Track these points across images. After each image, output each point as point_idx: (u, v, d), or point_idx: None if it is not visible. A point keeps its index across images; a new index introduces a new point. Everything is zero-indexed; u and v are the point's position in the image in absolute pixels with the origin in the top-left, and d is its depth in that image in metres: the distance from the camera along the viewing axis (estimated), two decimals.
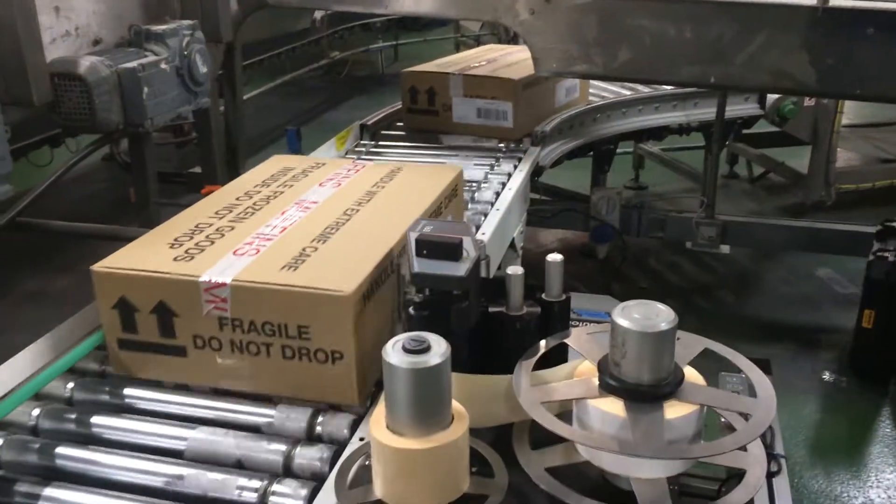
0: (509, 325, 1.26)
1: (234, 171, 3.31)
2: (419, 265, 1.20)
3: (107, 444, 1.27)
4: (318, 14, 6.52)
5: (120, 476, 1.20)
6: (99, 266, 1.32)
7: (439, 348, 0.99)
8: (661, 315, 1.06)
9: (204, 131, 2.67)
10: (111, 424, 1.30)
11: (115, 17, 2.18)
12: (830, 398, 2.91)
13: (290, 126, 2.44)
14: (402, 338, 1.00)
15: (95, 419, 1.30)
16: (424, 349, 0.98)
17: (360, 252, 1.34)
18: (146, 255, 1.35)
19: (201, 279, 1.27)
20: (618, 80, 3.16)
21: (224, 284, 1.26)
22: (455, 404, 1.05)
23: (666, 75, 2.37)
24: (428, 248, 1.21)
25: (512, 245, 2.62)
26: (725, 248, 3.59)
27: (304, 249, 1.36)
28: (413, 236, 1.24)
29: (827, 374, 3.02)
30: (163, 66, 2.10)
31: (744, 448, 1.12)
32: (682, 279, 3.89)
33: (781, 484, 1.36)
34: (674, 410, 1.07)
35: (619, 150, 4.69)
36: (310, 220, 1.49)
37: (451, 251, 1.20)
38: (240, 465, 1.22)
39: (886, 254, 2.82)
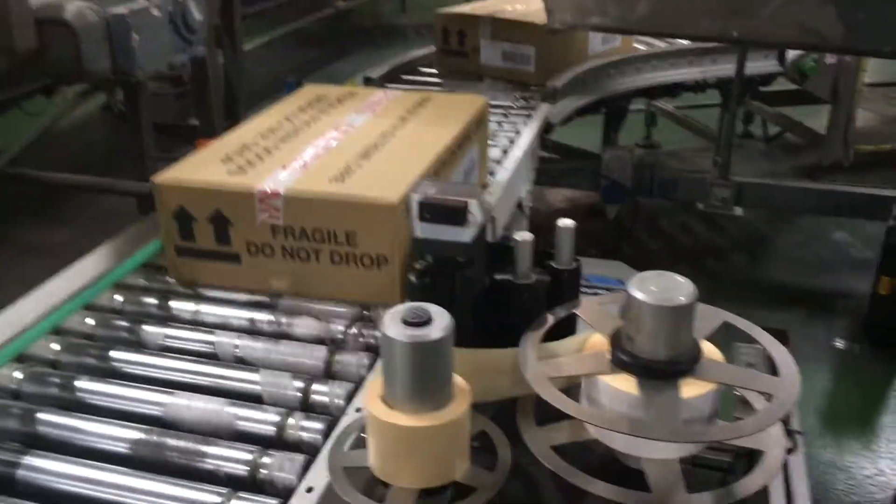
0: (516, 294, 1.19)
1: (234, 124, 3.22)
2: (422, 229, 1.13)
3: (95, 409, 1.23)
4: None
5: (102, 444, 1.15)
6: (159, 178, 1.42)
7: (441, 321, 0.92)
8: (679, 288, 0.99)
9: (201, 82, 2.57)
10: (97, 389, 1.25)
11: None
12: (843, 366, 2.85)
13: (291, 78, 2.34)
14: (401, 308, 0.93)
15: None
16: (425, 322, 0.91)
17: (400, 167, 1.43)
18: (201, 169, 1.45)
19: (256, 189, 1.36)
20: (635, 34, 3.04)
21: (278, 194, 1.35)
22: (457, 379, 0.98)
23: (686, 29, 2.26)
24: (431, 211, 1.14)
25: (519, 205, 2.54)
26: (739, 210, 3.50)
27: (348, 165, 1.44)
28: (416, 198, 1.16)
29: (840, 341, 2.95)
30: (154, 12, 1.99)
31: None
32: (694, 241, 3.80)
33: (797, 462, 1.31)
34: (690, 389, 1.00)
35: (632, 108, 4.59)
36: (350, 140, 1.57)
37: (457, 215, 1.13)
38: (229, 436, 1.16)
39: None
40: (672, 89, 3.73)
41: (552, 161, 3.49)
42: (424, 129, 1.65)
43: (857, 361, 2.87)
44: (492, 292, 1.19)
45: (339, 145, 1.54)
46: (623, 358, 1.01)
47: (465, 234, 1.10)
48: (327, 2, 7.62)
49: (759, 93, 4.70)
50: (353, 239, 1.34)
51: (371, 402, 0.96)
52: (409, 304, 0.94)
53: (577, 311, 1.12)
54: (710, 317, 1.11)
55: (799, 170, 4.48)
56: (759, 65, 3.76)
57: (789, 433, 1.42)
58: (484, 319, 1.18)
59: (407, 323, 0.91)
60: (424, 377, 0.92)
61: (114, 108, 4.41)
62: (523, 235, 1.17)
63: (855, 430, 2.54)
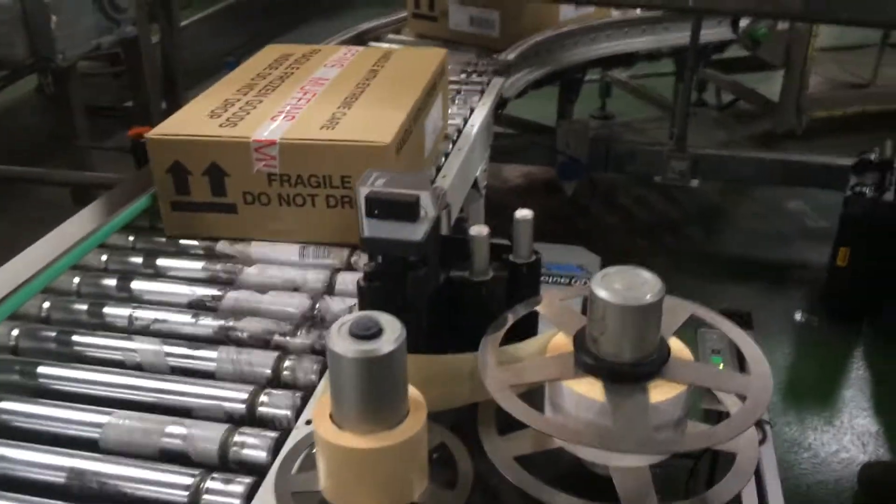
0: (473, 293, 1.11)
1: (173, 104, 3.06)
2: (369, 228, 1.04)
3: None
4: None
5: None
6: (153, 133, 1.48)
7: (393, 332, 0.84)
8: (646, 285, 0.93)
9: (133, 62, 2.41)
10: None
11: None
12: (802, 340, 2.85)
13: (231, 58, 2.21)
14: (348, 319, 0.85)
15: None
16: (375, 334, 0.83)
17: (384, 113, 1.53)
18: (193, 124, 1.50)
19: (252, 139, 1.43)
20: (593, 4, 2.96)
21: (273, 142, 1.43)
22: (412, 392, 0.90)
23: None
24: (380, 207, 1.04)
25: (475, 185, 2.46)
26: (695, 182, 3.47)
27: (333, 114, 1.53)
28: (363, 192, 1.07)
29: (799, 313, 2.95)
30: None
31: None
32: (651, 215, 3.77)
33: (767, 452, 1.27)
34: (659, 392, 0.94)
35: (586, 80, 4.53)
36: (328, 92, 1.65)
37: (407, 210, 1.04)
38: (167, 457, 1.07)
39: (864, 188, 2.71)
40: (627, 59, 3.68)
41: (507, 136, 3.41)
42: (396, 79, 1.75)
43: (817, 334, 2.87)
44: (447, 291, 1.12)
45: (319, 96, 1.62)
46: (587, 361, 0.95)
47: (417, 232, 1.02)
48: None
49: (712, 60, 4.69)
50: (347, 182, 1.43)
51: (319, 421, 0.88)
52: (356, 315, 0.86)
53: (538, 309, 1.05)
54: (677, 310, 1.05)
55: (753, 138, 4.49)
56: (712, 32, 3.71)
57: (758, 424, 1.39)
58: (439, 320, 1.11)
59: (355, 336, 0.83)
60: (376, 394, 0.84)
61: (46, 90, 4.19)
62: (479, 229, 1.09)
63: (817, 406, 2.54)
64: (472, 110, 2.35)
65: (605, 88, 4.77)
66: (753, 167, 3.32)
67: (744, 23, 3.82)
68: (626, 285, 0.92)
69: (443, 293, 1.11)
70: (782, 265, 3.31)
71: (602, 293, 0.91)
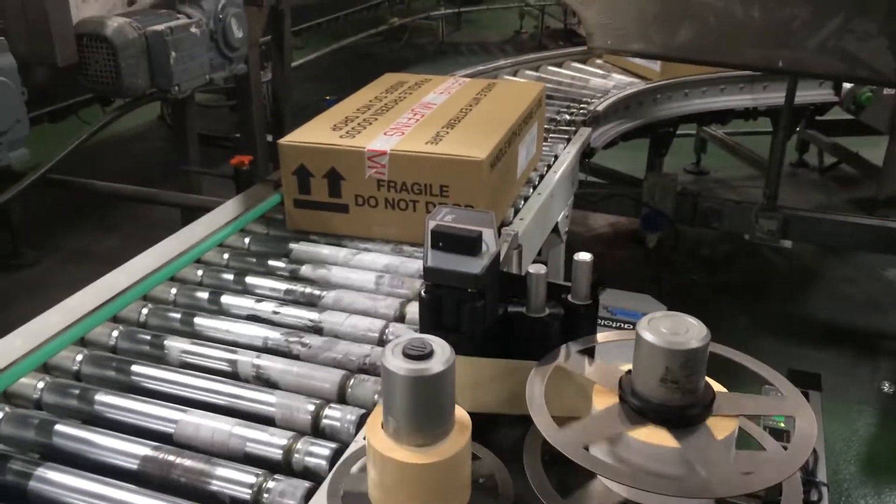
0: (528, 329, 1.16)
1: (280, 137, 3.26)
2: (433, 259, 1.11)
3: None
4: None
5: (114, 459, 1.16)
6: (284, 140, 1.76)
7: (443, 354, 0.90)
8: (691, 330, 0.96)
9: (243, 98, 2.62)
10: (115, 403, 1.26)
11: None
12: (888, 411, 2.72)
13: (331, 97, 2.36)
14: (403, 341, 0.92)
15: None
16: (426, 355, 0.90)
17: (482, 133, 1.75)
18: (317, 134, 1.76)
19: (367, 149, 1.67)
20: (677, 61, 2.99)
21: (385, 153, 1.66)
22: (459, 413, 0.96)
23: (730, 57, 2.21)
24: (444, 240, 1.12)
25: (556, 230, 2.51)
26: (787, 243, 3.40)
27: (437, 132, 1.75)
28: (430, 225, 1.15)
29: (886, 384, 2.83)
30: (193, 29, 2.03)
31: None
32: (737, 273, 3.70)
33: None
34: (720, 428, 0.95)
35: (681, 132, 4.51)
36: (435, 114, 1.89)
37: (469, 245, 1.11)
38: (237, 457, 1.16)
39: None
40: (722, 116, 3.67)
41: (594, 185, 3.44)
42: (496, 106, 1.98)
43: None
44: (504, 324, 1.17)
45: (426, 117, 1.86)
46: (644, 408, 0.96)
47: (476, 266, 1.09)
48: (382, 19, 7.71)
49: (815, 121, 4.59)
50: (446, 191, 1.65)
51: (371, 432, 0.95)
52: (411, 336, 0.93)
53: (582, 351, 1.09)
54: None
55: (853, 202, 4.35)
56: (813, 93, 3.67)
57: (815, 484, 1.37)
58: (496, 352, 1.16)
59: (408, 356, 0.90)
60: (423, 411, 0.91)
61: (166, 118, 4.52)
62: (537, 269, 1.15)
63: None
64: (555, 157, 2.41)
65: (701, 144, 4.73)
66: (847, 231, 3.22)
67: (848, 85, 3.75)
68: (671, 329, 0.96)
69: (501, 326, 1.17)
70: (873, 334, 3.18)
71: (649, 336, 0.95)
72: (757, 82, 3.52)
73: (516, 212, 2.00)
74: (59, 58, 1.79)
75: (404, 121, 1.82)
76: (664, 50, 2.19)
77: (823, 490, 1.29)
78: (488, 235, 1.14)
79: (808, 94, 3.62)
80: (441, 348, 0.91)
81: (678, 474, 0.92)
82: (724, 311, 3.18)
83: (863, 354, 3.00)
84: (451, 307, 1.10)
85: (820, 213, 3.31)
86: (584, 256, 1.18)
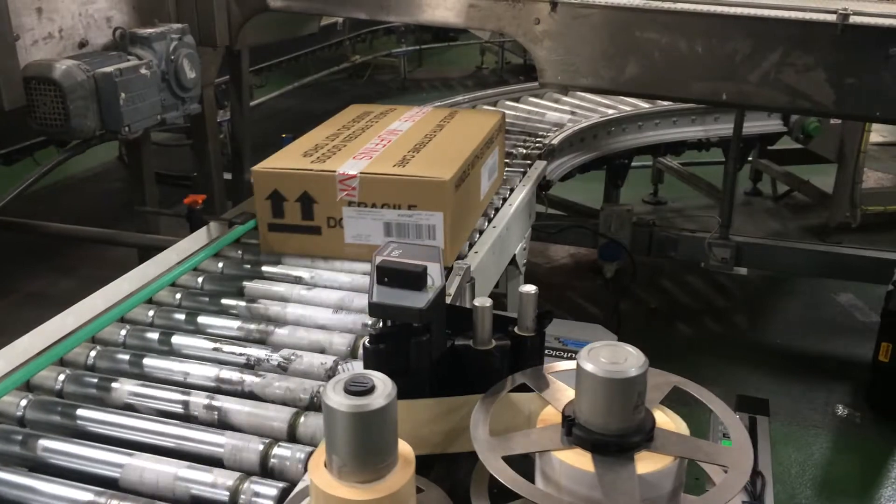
0: (475, 361, 1.17)
1: (238, 175, 3.26)
2: (378, 294, 1.12)
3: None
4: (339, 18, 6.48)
5: None
6: (258, 167, 1.84)
7: (384, 389, 0.91)
8: (630, 359, 0.97)
9: (198, 137, 2.62)
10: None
11: (104, 20, 2.12)
12: (843, 434, 2.76)
13: (287, 135, 2.38)
14: (344, 377, 0.92)
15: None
16: (367, 390, 0.90)
17: (446, 157, 1.85)
18: (289, 160, 1.85)
19: (337, 172, 1.76)
20: (625, 95, 3.06)
21: (355, 176, 1.75)
22: (402, 447, 0.96)
23: (676, 91, 2.27)
24: (389, 275, 1.13)
25: (514, 262, 2.53)
26: (743, 270, 3.47)
27: (404, 156, 1.84)
28: (377, 261, 1.16)
29: (841, 407, 2.88)
30: (143, 70, 2.03)
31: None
32: (696, 300, 3.75)
33: None
34: (647, 464, 0.97)
35: (638, 164, 4.60)
36: (401, 140, 1.99)
37: (414, 280, 1.12)
38: (184, 501, 1.15)
39: None
40: (675, 147, 3.75)
41: (553, 217, 3.49)
42: (458, 132, 2.09)
43: (859, 429, 2.79)
44: (451, 357, 1.18)
45: (393, 143, 1.95)
46: (575, 432, 0.99)
47: (421, 300, 1.09)
48: (344, 56, 7.78)
49: (767, 151, 4.72)
50: (414, 209, 1.74)
51: (314, 471, 0.94)
52: (352, 373, 0.93)
53: (527, 382, 1.10)
54: (660, 382, 1.09)
55: (806, 229, 4.46)
56: (762, 124, 3.77)
57: None
58: (443, 385, 1.17)
59: (348, 391, 0.90)
60: (366, 446, 0.90)
61: (124, 158, 4.49)
62: (482, 301, 1.16)
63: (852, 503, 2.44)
64: (511, 190, 2.44)
65: (658, 174, 4.83)
66: (798, 257, 3.30)
67: (796, 116, 3.87)
68: (611, 359, 0.97)
69: (447, 359, 1.17)
70: (828, 357, 3.24)
71: (588, 366, 0.96)
72: (708, 114, 3.62)
73: (471, 245, 2.02)
74: (5, 101, 1.79)
75: (372, 146, 1.92)
76: (613, 85, 2.25)
77: None
78: (434, 270, 1.15)
79: (758, 124, 3.73)
80: (382, 383, 0.91)
81: (590, 498, 0.93)
82: (682, 338, 3.23)
83: (817, 378, 3.06)
84: (396, 342, 1.10)
85: (771, 241, 3.40)
86: (528, 288, 1.19)
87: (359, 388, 0.90)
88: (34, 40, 1.88)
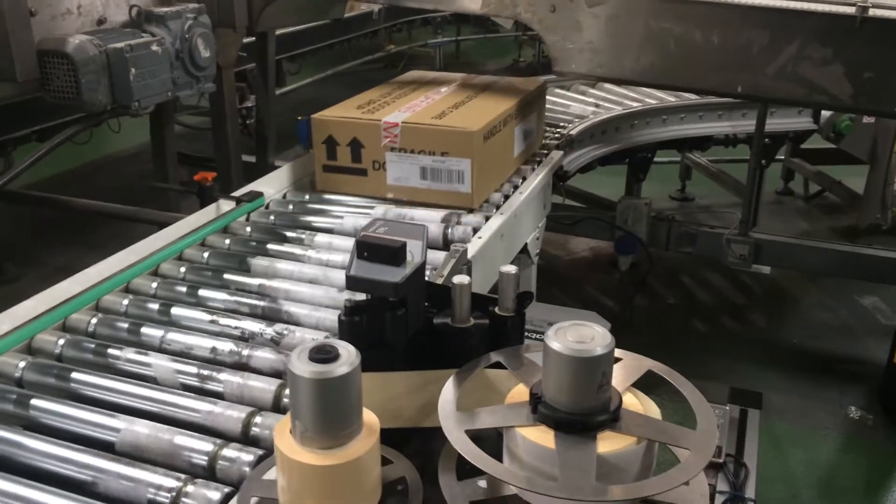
0: (452, 339, 1.18)
1: (262, 159, 3.30)
2: (356, 268, 1.13)
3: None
4: (375, 6, 6.50)
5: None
6: (317, 115, 2.15)
7: (348, 357, 0.92)
8: (596, 338, 0.97)
9: (217, 118, 2.66)
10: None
11: None
12: (854, 436, 2.71)
13: (303, 116, 2.42)
14: (309, 345, 0.94)
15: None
16: (331, 358, 0.92)
17: (479, 114, 2.13)
18: (343, 112, 2.17)
19: (383, 121, 2.07)
20: (639, 85, 3.03)
21: (397, 124, 2.06)
22: (368, 415, 0.98)
23: (691, 82, 2.24)
24: (369, 250, 1.14)
25: (525, 251, 2.53)
26: (766, 269, 3.41)
27: (443, 111, 2.15)
28: (357, 237, 1.17)
29: (853, 409, 2.82)
30: (154, 47, 2.07)
31: (686, 483, 1.01)
32: (714, 297, 3.71)
33: None
34: (609, 443, 0.98)
35: (667, 159, 4.54)
36: (444, 98, 2.31)
37: (393, 255, 1.13)
38: (161, 463, 1.18)
39: None
40: (700, 142, 3.70)
41: (569, 208, 3.47)
42: (496, 95, 2.35)
43: (870, 432, 2.73)
44: (430, 335, 1.19)
45: (436, 101, 2.27)
46: (540, 409, 1.00)
47: (397, 275, 1.11)
48: (379, 46, 7.81)
49: (800, 150, 4.62)
50: (446, 156, 2.03)
51: (279, 437, 0.96)
52: (318, 341, 0.95)
53: (501, 360, 1.11)
54: (635, 366, 1.09)
55: (835, 230, 4.36)
56: (791, 121, 3.70)
57: (742, 500, 1.37)
58: (421, 361, 1.18)
59: (313, 359, 0.92)
60: (328, 413, 0.92)
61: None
62: (461, 279, 1.17)
63: None
64: (523, 179, 2.44)
65: (686, 171, 4.77)
66: (820, 256, 3.23)
67: (827, 113, 3.79)
68: (577, 338, 0.97)
69: (426, 336, 1.19)
70: (844, 359, 3.18)
71: (553, 344, 0.97)
72: (735, 109, 3.56)
73: (475, 230, 2.02)
74: (18, 73, 1.84)
75: (417, 103, 2.23)
76: (626, 74, 2.23)
77: None
78: (415, 246, 1.16)
79: (787, 121, 3.66)
80: (347, 352, 0.93)
81: (548, 474, 0.94)
82: (698, 334, 3.19)
83: (833, 379, 3.00)
84: (372, 316, 1.12)
85: (791, 239, 3.33)
86: (509, 269, 1.20)
87: (322, 357, 0.92)
88: (52, 16, 1.94)
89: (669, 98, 3.52)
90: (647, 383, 1.08)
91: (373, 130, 2.06)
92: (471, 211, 2.08)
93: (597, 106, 3.40)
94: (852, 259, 3.18)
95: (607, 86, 3.58)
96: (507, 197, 2.29)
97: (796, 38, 2.05)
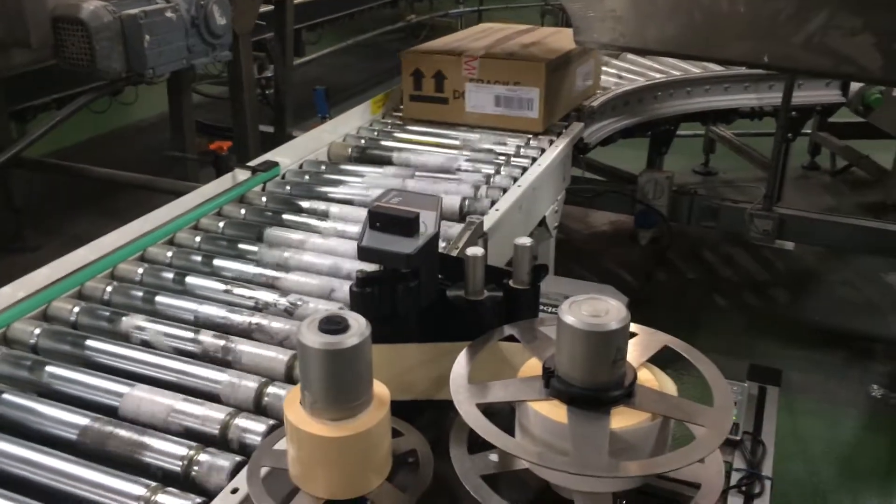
0: (465, 311, 1.16)
1: (280, 129, 3.29)
2: (368, 238, 1.12)
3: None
4: None
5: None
6: (406, 51, 2.58)
7: (358, 328, 0.91)
8: (611, 312, 0.95)
9: (234, 87, 2.64)
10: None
11: None
12: (875, 415, 2.67)
13: (319, 87, 2.40)
14: (319, 316, 0.92)
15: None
16: (341, 329, 0.90)
17: (547, 51, 2.53)
18: (430, 47, 2.65)
19: (464, 55, 2.45)
20: (662, 55, 2.96)
21: (476, 58, 2.44)
22: (378, 387, 0.97)
23: (716, 52, 2.18)
24: (382, 220, 1.12)
25: (544, 224, 2.50)
26: (789, 245, 3.35)
27: (515, 51, 2.54)
28: (369, 207, 1.15)
29: (875, 388, 2.78)
30: (168, 14, 2.05)
31: (702, 461, 0.99)
32: (736, 273, 3.65)
33: None
34: (622, 419, 0.96)
35: (691, 132, 4.46)
36: (516, 41, 2.70)
37: (406, 226, 1.11)
38: (173, 431, 1.18)
39: None
40: (725, 115, 3.62)
41: (589, 181, 3.43)
42: (560, 40, 2.67)
43: (891, 411, 2.69)
44: (444, 307, 1.18)
45: (510, 42, 2.66)
46: (554, 384, 0.98)
47: (410, 246, 1.09)
48: (400, 16, 7.72)
49: (828, 124, 4.52)
50: (518, 85, 2.40)
51: (289, 407, 0.95)
52: (329, 312, 0.93)
53: (514, 333, 1.09)
54: (651, 341, 1.06)
55: (863, 207, 4.27)
56: (819, 94, 3.61)
57: (758, 477, 1.35)
58: (435, 334, 1.16)
59: (323, 330, 0.91)
60: (338, 385, 0.91)
61: None
62: (474, 251, 1.15)
63: (876, 486, 2.36)
64: (542, 151, 2.41)
65: (710, 144, 4.68)
66: (844, 232, 3.16)
67: (856, 85, 3.69)
68: (591, 312, 0.95)
69: (440, 308, 1.17)
70: (868, 337, 3.12)
71: (567, 318, 0.95)
72: (762, 82, 3.47)
73: (493, 203, 2.00)
74: (32, 39, 1.83)
75: (492, 42, 2.63)
76: (650, 44, 2.18)
77: (766, 483, 1.27)
78: (428, 217, 1.14)
79: (815, 94, 3.57)
80: (357, 323, 0.92)
81: (560, 449, 0.92)
82: (718, 310, 3.15)
83: (855, 357, 2.95)
84: (384, 287, 1.10)
85: (816, 214, 3.26)
86: (524, 241, 1.18)
87: (332, 328, 0.90)
88: None
89: (694, 69, 3.44)
90: (664, 359, 1.06)
91: (455, 63, 2.42)
92: (536, 136, 2.44)
93: (619, 77, 3.34)
94: (879, 235, 3.11)
95: (630, 56, 3.51)
96: (524, 169, 2.26)
97: (825, 7, 1.99)
